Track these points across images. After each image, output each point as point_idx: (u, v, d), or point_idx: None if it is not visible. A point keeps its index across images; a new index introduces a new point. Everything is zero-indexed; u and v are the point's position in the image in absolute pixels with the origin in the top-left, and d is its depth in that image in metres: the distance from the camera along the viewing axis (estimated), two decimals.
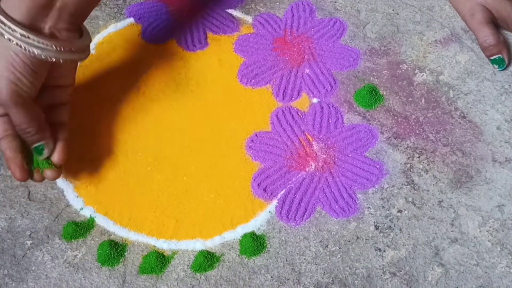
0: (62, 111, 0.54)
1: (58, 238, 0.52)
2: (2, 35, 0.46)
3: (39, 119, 0.50)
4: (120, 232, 0.52)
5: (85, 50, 0.52)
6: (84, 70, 0.62)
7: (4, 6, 0.47)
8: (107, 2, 0.68)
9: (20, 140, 0.51)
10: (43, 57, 0.47)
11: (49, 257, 0.51)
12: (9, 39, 0.46)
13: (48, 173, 0.52)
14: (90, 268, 0.50)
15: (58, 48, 0.48)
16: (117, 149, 0.57)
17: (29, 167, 0.52)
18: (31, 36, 0.46)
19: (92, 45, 0.64)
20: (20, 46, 0.46)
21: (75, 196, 0.54)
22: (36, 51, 0.47)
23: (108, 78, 0.61)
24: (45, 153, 0.51)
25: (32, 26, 0.47)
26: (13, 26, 0.46)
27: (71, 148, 0.56)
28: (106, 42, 0.64)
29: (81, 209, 0.54)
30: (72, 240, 0.52)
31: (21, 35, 0.46)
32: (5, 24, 0.46)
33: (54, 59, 0.48)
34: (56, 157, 0.52)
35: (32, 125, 0.49)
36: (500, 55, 0.59)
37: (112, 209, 0.53)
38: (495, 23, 0.62)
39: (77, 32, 0.51)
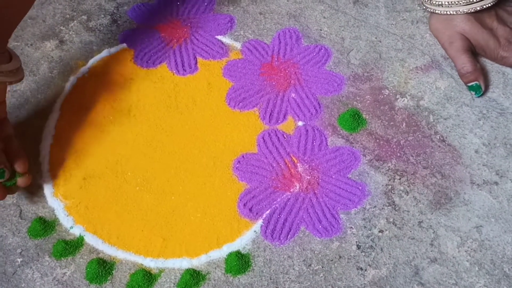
0: (4, 126, 0.57)
1: (48, 256, 0.53)
2: None
3: None
4: (108, 250, 0.54)
5: (17, 73, 0.55)
6: (78, 92, 0.64)
7: None
8: (101, 28, 0.70)
9: None
10: None
11: (38, 274, 0.52)
12: None
13: (20, 181, 0.55)
14: (79, 285, 0.51)
15: None
16: (107, 169, 0.58)
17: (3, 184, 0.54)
18: None
19: (85, 69, 0.66)
20: None
21: (65, 215, 0.56)
22: None
23: (100, 100, 0.63)
24: (6, 175, 0.53)
25: None
26: None
27: (62, 167, 0.58)
28: (99, 66, 0.66)
29: (71, 227, 0.55)
30: (62, 258, 0.53)
31: None
32: None
33: None
34: (20, 168, 0.55)
35: None
36: (477, 82, 0.62)
37: (101, 228, 0.55)
38: (473, 51, 0.64)
39: (5, 56, 0.54)
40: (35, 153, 0.60)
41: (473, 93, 0.62)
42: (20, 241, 0.54)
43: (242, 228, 0.55)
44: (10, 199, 0.56)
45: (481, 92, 0.61)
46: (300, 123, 0.61)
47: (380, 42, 0.68)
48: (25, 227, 0.55)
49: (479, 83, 0.61)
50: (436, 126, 0.60)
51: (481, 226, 0.54)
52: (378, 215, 0.55)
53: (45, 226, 0.55)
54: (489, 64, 0.65)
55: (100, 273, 0.52)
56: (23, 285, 0.51)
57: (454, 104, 0.62)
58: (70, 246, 0.53)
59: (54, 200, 0.56)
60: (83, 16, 0.71)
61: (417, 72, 0.65)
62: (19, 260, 0.53)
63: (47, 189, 0.57)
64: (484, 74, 0.63)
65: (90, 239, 0.54)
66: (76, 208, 0.56)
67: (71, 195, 0.57)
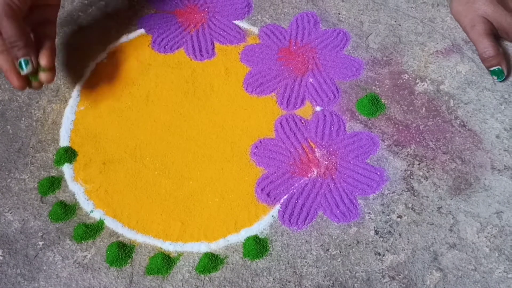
0: (49, 27, 0.59)
1: (69, 239, 0.54)
2: None
3: (27, 34, 0.55)
4: (128, 234, 0.54)
5: None
6: (96, 77, 0.64)
7: None
8: (120, 14, 0.70)
9: (12, 54, 0.55)
10: None
11: (60, 257, 0.53)
12: None
13: (43, 76, 0.56)
14: (99, 268, 0.52)
15: None
16: (126, 154, 0.59)
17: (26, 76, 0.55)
18: None
19: (104, 55, 0.66)
20: None
21: (85, 199, 0.56)
22: None
23: (118, 86, 0.64)
24: (29, 67, 0.55)
25: None
26: None
27: (82, 152, 0.59)
28: (117, 51, 0.67)
29: (91, 211, 0.56)
30: (82, 241, 0.54)
31: None
32: None
33: None
34: (43, 61, 0.56)
35: (21, 38, 0.54)
36: (499, 67, 0.60)
37: (120, 212, 0.55)
38: (496, 34, 0.63)
39: None
40: (56, 138, 0.60)
41: (495, 77, 0.61)
42: (42, 224, 0.55)
43: (260, 213, 0.55)
44: (31, 183, 0.57)
45: (504, 77, 0.60)
46: (318, 108, 0.61)
47: (400, 25, 0.67)
48: (46, 211, 0.56)
49: (502, 68, 0.60)
50: (457, 111, 0.60)
51: (501, 212, 0.53)
52: (396, 200, 0.55)
53: (66, 210, 0.55)
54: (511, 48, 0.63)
55: (120, 256, 0.52)
56: (44, 268, 0.52)
57: (475, 88, 0.61)
58: (91, 230, 0.54)
59: (75, 184, 0.57)
60: (101, 2, 0.72)
61: (438, 56, 0.64)
62: (40, 243, 0.54)
63: (68, 174, 0.58)
64: (506, 58, 0.62)
65: (110, 223, 0.55)
66: (96, 192, 0.57)
67: (91, 180, 0.57)
